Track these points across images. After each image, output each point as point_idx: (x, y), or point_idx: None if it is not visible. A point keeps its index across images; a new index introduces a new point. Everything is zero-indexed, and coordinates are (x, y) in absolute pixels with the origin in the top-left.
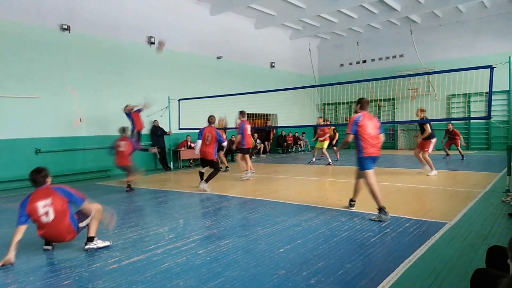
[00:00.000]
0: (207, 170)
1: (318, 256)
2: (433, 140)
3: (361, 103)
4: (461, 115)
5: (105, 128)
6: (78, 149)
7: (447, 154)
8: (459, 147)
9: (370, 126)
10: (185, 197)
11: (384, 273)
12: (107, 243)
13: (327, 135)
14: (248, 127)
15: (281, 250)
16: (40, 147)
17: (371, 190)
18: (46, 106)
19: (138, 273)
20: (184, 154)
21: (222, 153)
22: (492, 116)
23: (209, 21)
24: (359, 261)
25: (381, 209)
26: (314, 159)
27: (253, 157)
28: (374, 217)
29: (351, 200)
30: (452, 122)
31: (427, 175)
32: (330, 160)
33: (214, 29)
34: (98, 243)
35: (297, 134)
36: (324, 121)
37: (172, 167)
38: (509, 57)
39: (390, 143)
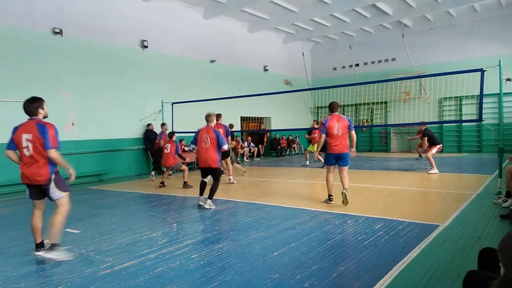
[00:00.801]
0: (210, 181)
1: (312, 259)
2: (439, 146)
3: (330, 107)
4: (453, 118)
5: (97, 132)
6: (70, 153)
7: (420, 155)
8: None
9: (336, 127)
10: (179, 201)
11: (377, 275)
12: (67, 257)
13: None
14: (221, 130)
15: (275, 253)
16: None
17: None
18: None
19: (131, 278)
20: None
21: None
22: (483, 119)
23: (202, 24)
24: (353, 264)
25: (329, 196)
26: (307, 162)
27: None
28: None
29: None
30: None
31: (428, 172)
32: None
33: (207, 32)
34: (58, 256)
35: (290, 137)
36: (318, 124)
37: None
38: (499, 61)
39: (383, 146)
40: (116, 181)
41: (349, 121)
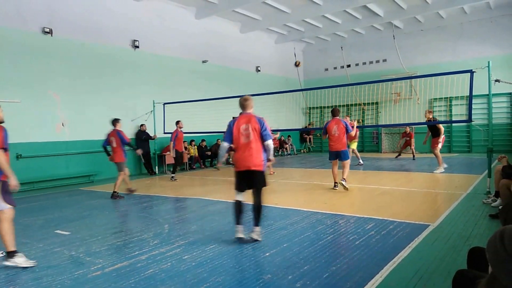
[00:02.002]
0: (249, 196)
1: (304, 260)
2: (443, 137)
3: (331, 112)
4: (443, 119)
5: (88, 132)
6: (60, 154)
7: (399, 154)
8: (413, 148)
9: (334, 129)
10: (170, 202)
11: (368, 275)
12: (30, 264)
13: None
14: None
15: (267, 254)
16: (21, 152)
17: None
18: (27, 111)
19: (122, 280)
20: (170, 158)
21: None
22: (473, 120)
23: (194, 25)
24: (344, 264)
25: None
26: (361, 161)
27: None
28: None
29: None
30: (412, 126)
31: (434, 172)
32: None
33: (199, 33)
34: (20, 262)
35: (283, 138)
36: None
37: (157, 172)
38: (488, 62)
39: (374, 147)
40: (106, 182)
41: (345, 124)
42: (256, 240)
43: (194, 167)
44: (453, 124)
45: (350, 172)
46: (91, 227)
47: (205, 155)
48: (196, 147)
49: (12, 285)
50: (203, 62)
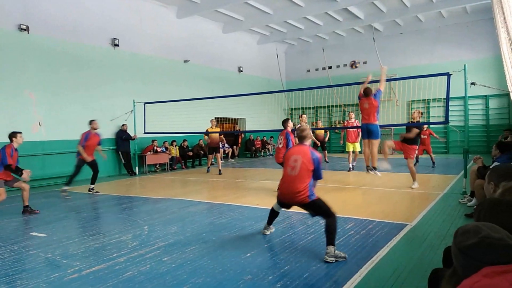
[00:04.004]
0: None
1: (285, 260)
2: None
3: (364, 92)
4: (420, 120)
5: (65, 132)
6: (37, 155)
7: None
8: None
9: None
10: (151, 203)
11: (348, 274)
12: None
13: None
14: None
15: (248, 254)
16: None
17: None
18: (0, 110)
19: (99, 282)
20: (150, 159)
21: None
22: (449, 121)
23: (175, 24)
24: (324, 263)
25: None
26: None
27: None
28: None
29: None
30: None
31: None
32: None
33: (181, 32)
34: None
35: (265, 139)
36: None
37: (137, 172)
38: (464, 65)
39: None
40: (85, 183)
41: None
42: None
43: (175, 167)
44: (431, 126)
45: (332, 173)
46: (68, 229)
47: (187, 155)
48: (177, 147)
49: None
50: (185, 61)
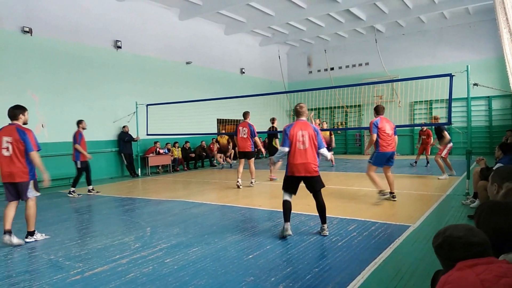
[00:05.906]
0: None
1: (287, 262)
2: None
3: (376, 110)
4: (423, 121)
5: (68, 134)
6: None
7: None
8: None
9: (388, 127)
10: (153, 205)
11: (350, 276)
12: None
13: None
14: (246, 130)
15: (250, 256)
16: None
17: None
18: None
19: (102, 284)
20: (153, 160)
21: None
22: (452, 122)
23: (178, 26)
24: (327, 265)
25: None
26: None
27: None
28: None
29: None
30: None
31: (439, 178)
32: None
33: (183, 34)
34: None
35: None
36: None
37: (140, 174)
38: (467, 66)
39: (358, 148)
40: (82, 185)
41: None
42: (325, 235)
43: (177, 169)
44: (434, 127)
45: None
46: (71, 231)
47: (189, 157)
48: (180, 149)
49: None
50: (187, 63)
